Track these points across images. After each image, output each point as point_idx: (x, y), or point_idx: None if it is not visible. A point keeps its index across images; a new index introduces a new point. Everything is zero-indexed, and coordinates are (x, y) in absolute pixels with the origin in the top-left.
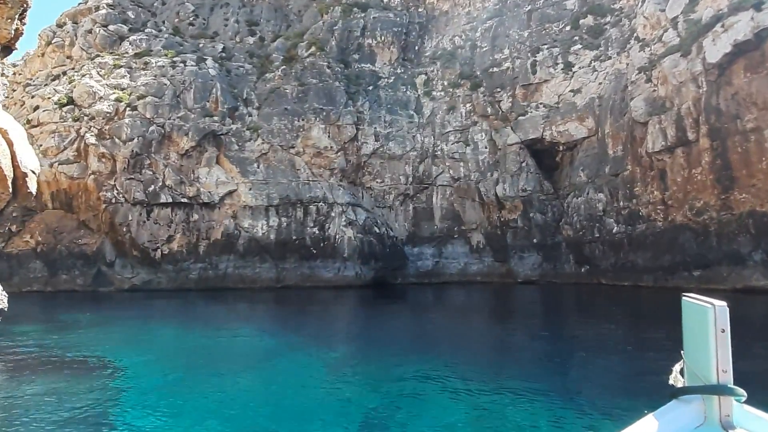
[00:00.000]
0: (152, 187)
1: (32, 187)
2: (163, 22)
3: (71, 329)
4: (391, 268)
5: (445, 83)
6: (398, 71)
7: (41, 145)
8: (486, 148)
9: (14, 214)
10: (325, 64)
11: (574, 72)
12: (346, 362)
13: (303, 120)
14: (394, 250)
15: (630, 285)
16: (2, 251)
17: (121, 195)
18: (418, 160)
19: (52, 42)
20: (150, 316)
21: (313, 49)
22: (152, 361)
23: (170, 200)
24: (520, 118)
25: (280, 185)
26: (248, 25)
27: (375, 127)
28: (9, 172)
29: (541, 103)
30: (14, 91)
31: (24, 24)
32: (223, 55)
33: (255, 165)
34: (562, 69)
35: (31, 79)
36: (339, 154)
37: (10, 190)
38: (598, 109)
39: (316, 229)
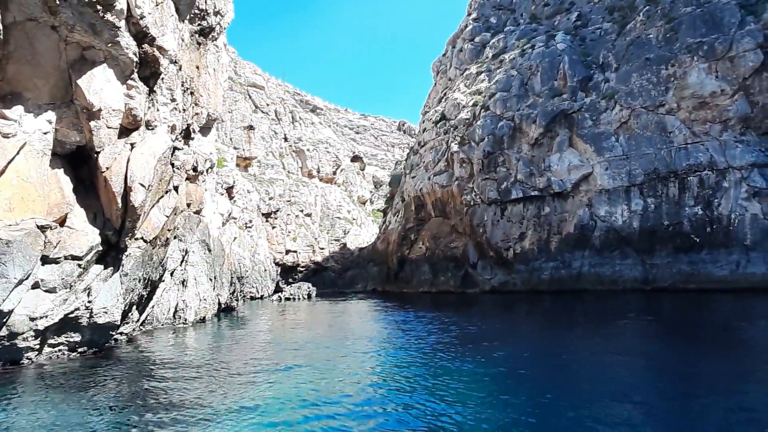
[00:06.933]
0: (504, 184)
1: (136, 200)
2: (521, 15)
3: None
4: None
5: None
6: None
7: (425, 162)
8: None
9: (411, 226)
10: None
11: None
12: None
13: (673, 66)
14: None
15: None
16: (407, 257)
17: (477, 196)
18: None
19: (439, 70)
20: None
21: None
22: None
23: (521, 195)
24: None
25: (644, 157)
26: None
27: None
28: (119, 188)
29: None
30: (423, 122)
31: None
32: (578, 23)
33: (612, 139)
34: None
35: (428, 108)
36: (736, 97)
37: (120, 204)
38: None
39: (698, 209)
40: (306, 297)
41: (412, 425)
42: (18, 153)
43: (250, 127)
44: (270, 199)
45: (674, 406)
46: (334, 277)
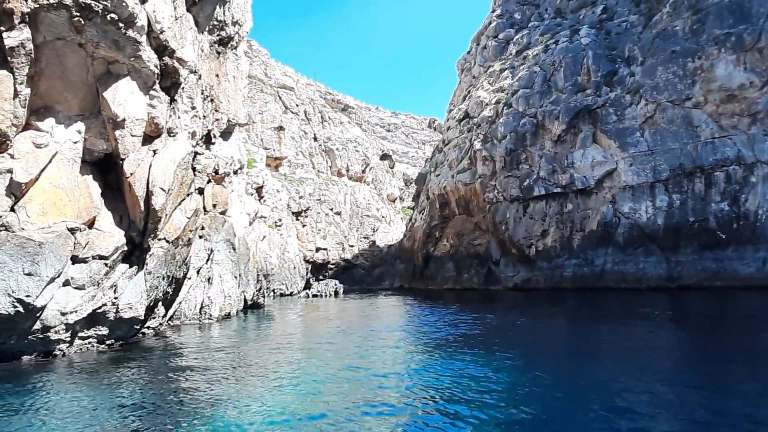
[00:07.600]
0: (527, 181)
1: (157, 203)
2: (546, 10)
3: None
4: None
5: None
6: None
7: (449, 160)
8: None
9: (435, 223)
10: None
11: None
12: None
13: (700, 58)
14: None
15: None
16: (432, 254)
17: (500, 194)
18: None
19: (464, 68)
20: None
21: None
22: None
23: (543, 192)
24: None
25: (670, 153)
26: None
27: None
28: (141, 193)
29: None
30: (448, 120)
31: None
32: (603, 16)
33: (637, 134)
34: None
35: (453, 106)
36: (765, 89)
37: (143, 207)
38: None
39: (725, 205)
40: (333, 294)
41: (435, 409)
42: (50, 161)
43: (280, 128)
44: (300, 197)
45: (698, 402)
46: (363, 274)
